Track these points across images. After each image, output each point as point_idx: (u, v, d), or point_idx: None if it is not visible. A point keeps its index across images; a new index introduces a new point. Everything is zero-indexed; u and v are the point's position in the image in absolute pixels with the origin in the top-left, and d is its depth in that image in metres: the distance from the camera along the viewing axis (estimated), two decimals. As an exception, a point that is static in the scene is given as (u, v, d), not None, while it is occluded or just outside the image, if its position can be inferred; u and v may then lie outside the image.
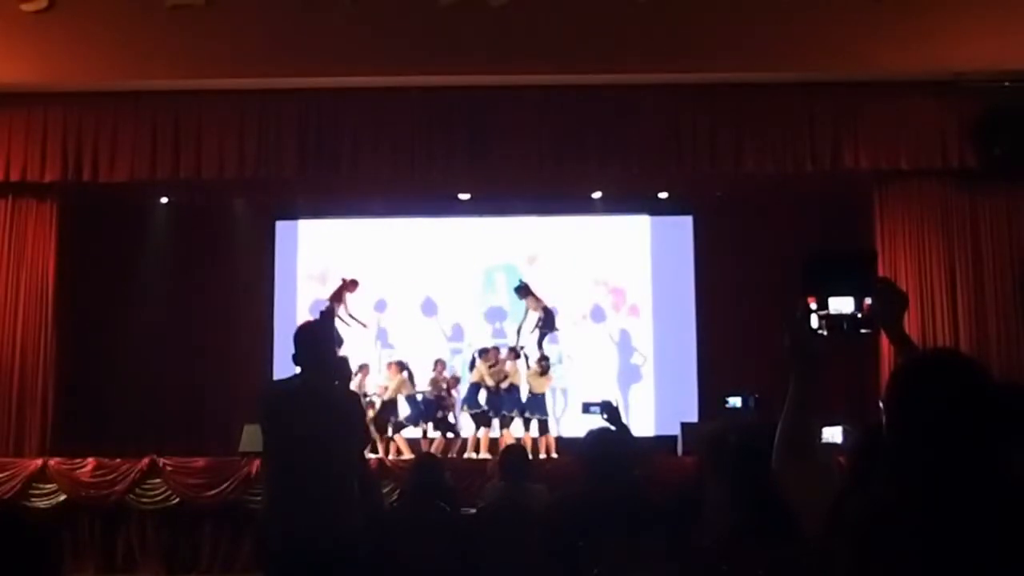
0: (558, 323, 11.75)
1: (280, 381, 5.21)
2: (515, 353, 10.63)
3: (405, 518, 5.40)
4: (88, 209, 10.85)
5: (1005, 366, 9.14)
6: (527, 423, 10.32)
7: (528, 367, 10.57)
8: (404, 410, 10.51)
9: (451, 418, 10.50)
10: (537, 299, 11.10)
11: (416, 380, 10.60)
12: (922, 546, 1.75)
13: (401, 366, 10.60)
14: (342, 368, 5.05)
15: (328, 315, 10.32)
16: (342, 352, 10.01)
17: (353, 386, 10.21)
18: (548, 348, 11.13)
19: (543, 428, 10.31)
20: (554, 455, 9.96)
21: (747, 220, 11.54)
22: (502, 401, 10.35)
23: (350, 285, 11.12)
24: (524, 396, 10.42)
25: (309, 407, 4.17)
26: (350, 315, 11.08)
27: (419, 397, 10.53)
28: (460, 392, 10.68)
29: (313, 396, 4.21)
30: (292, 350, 4.33)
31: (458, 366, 11.28)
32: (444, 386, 10.55)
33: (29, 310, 9.97)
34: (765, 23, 8.99)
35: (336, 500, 4.05)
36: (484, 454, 10.06)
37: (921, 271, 9.62)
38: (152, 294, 11.82)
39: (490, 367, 10.43)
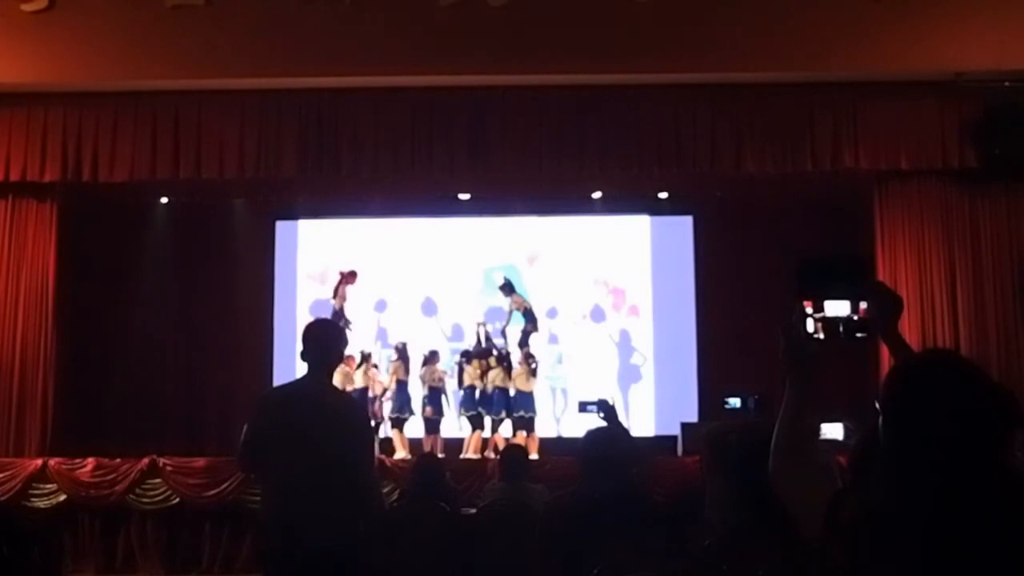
0: (559, 323, 11.76)
1: (279, 386, 5.23)
2: (499, 356, 10.64)
3: (405, 518, 5.41)
4: (88, 209, 10.85)
5: (1005, 366, 9.15)
6: (515, 424, 10.32)
7: (511, 368, 10.56)
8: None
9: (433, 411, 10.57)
10: (520, 299, 11.14)
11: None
12: (919, 547, 1.75)
13: (399, 352, 10.68)
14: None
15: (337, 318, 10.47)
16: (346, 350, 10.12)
17: (358, 377, 10.36)
18: (546, 348, 11.12)
19: (528, 427, 10.31)
20: (534, 455, 9.86)
21: (747, 220, 11.53)
22: (491, 403, 10.39)
23: (349, 277, 11.15)
24: (512, 396, 10.45)
25: (308, 410, 4.18)
26: (342, 311, 11.07)
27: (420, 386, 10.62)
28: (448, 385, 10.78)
29: (313, 399, 4.22)
30: (297, 347, 4.34)
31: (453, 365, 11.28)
32: (436, 378, 10.61)
33: (29, 310, 9.96)
34: (765, 23, 8.99)
35: (335, 502, 4.05)
36: (471, 454, 10.08)
37: (921, 271, 9.61)
38: (152, 294, 11.83)
39: (480, 373, 10.48)
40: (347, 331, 10.71)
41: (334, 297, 11.05)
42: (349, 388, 10.14)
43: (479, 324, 11.11)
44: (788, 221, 11.26)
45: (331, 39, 9.07)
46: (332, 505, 4.03)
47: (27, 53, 9.19)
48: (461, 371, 10.70)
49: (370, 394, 10.49)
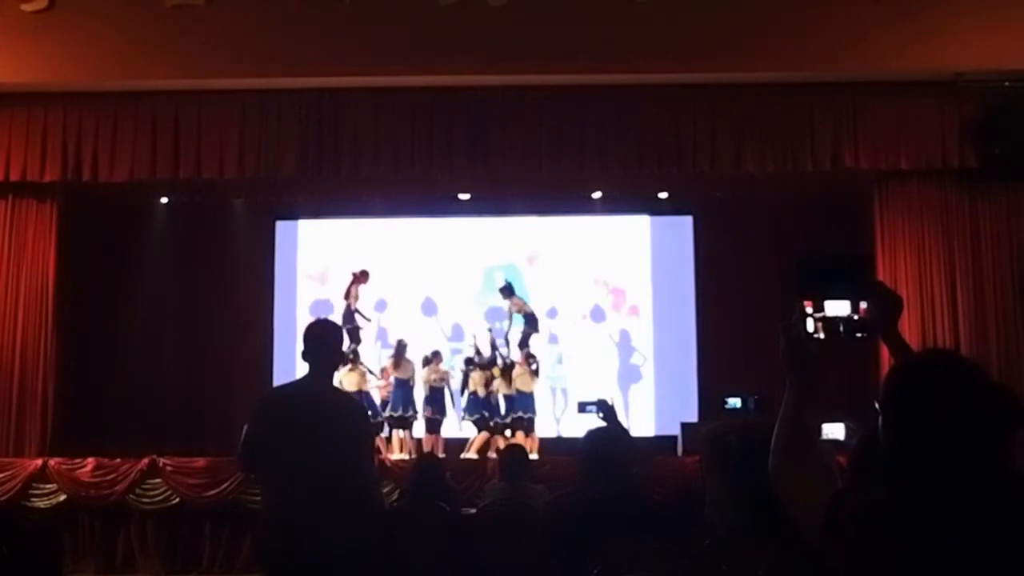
0: (559, 323, 11.75)
1: (279, 387, 5.23)
2: (503, 367, 10.64)
3: (405, 518, 5.41)
4: (88, 209, 10.85)
5: (1005, 366, 9.14)
6: (515, 424, 10.32)
7: (512, 379, 10.56)
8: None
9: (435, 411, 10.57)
10: (521, 302, 11.15)
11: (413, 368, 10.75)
12: (918, 548, 1.75)
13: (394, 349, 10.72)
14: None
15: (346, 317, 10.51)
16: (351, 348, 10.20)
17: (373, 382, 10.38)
18: (546, 348, 11.08)
19: (528, 427, 10.30)
20: (534, 456, 9.84)
21: (747, 220, 11.54)
22: (496, 409, 10.41)
23: (361, 277, 11.18)
24: (512, 397, 10.46)
25: (308, 410, 4.17)
26: (357, 310, 11.10)
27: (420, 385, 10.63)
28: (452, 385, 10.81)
29: (313, 400, 4.21)
30: (298, 347, 4.35)
31: (457, 365, 11.26)
32: (438, 378, 10.61)
33: (29, 310, 9.96)
34: (765, 23, 8.98)
35: (335, 502, 4.05)
36: (472, 454, 10.09)
37: (921, 271, 9.61)
38: (152, 294, 11.84)
39: (485, 382, 10.50)
40: (360, 330, 10.86)
41: (346, 297, 11.07)
42: (363, 390, 10.20)
43: (488, 329, 11.08)
44: (788, 221, 11.27)
45: (331, 39, 9.07)
46: (332, 505, 4.03)
47: (27, 53, 9.18)
48: (466, 378, 10.71)
49: (379, 397, 10.55)
